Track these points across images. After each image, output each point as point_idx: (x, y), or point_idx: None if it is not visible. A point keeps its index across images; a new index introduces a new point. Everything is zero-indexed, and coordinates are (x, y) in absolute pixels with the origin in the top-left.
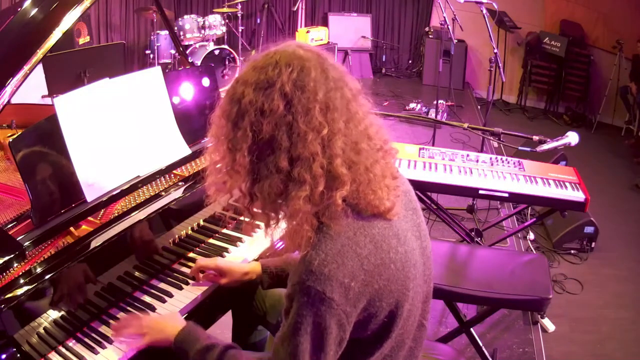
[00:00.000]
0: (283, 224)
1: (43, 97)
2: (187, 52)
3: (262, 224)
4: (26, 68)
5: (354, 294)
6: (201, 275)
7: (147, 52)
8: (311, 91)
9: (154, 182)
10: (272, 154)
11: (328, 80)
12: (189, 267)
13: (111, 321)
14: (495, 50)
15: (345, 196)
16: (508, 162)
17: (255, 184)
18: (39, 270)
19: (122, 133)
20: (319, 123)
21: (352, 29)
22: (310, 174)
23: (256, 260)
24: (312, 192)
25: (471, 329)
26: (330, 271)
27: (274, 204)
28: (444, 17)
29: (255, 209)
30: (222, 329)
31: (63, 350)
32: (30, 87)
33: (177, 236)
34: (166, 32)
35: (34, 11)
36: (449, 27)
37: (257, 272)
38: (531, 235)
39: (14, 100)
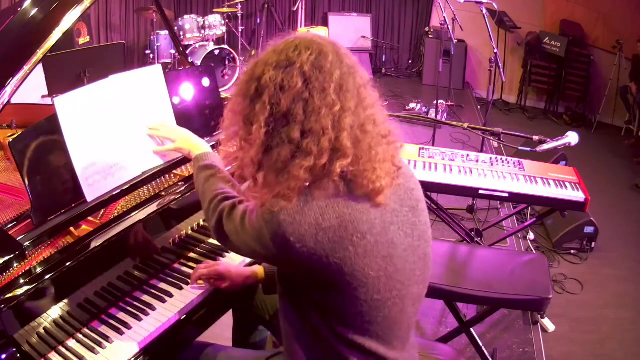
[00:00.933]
0: None
1: (43, 97)
2: (187, 52)
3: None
4: (26, 68)
5: (293, 254)
6: (201, 282)
7: (147, 52)
8: (327, 72)
9: (154, 182)
10: (287, 125)
11: (342, 65)
12: (189, 267)
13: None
14: (495, 50)
15: (344, 168)
16: (508, 162)
17: (265, 153)
18: (39, 270)
19: (122, 132)
20: (332, 100)
21: (352, 29)
22: (318, 146)
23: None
24: (314, 163)
25: (471, 329)
26: (284, 221)
27: (278, 171)
28: (444, 17)
29: (259, 177)
30: (222, 329)
31: (63, 350)
32: (30, 87)
33: (177, 236)
34: (166, 32)
35: (34, 11)
36: (449, 27)
37: (258, 276)
38: (531, 235)
39: (14, 100)
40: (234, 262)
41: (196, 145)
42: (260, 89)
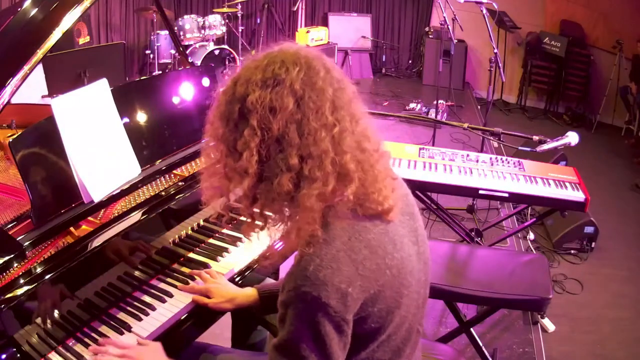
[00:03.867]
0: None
1: (43, 97)
2: (187, 52)
3: (260, 226)
4: (26, 68)
5: (352, 300)
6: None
7: (147, 52)
8: (320, 89)
9: (154, 182)
10: (282, 151)
11: (334, 81)
12: (189, 267)
13: (91, 342)
14: (495, 50)
15: (353, 193)
16: (508, 162)
17: (259, 183)
18: (39, 270)
19: (120, 133)
20: (329, 121)
21: (352, 29)
22: (322, 171)
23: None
24: (323, 189)
25: (471, 329)
26: (325, 276)
27: (276, 203)
28: (444, 17)
29: (255, 210)
30: (222, 329)
31: (63, 350)
32: (30, 87)
33: (177, 236)
34: (166, 32)
35: (34, 11)
36: (449, 27)
37: (245, 299)
38: (531, 235)
39: (14, 100)
40: (234, 263)
41: None
42: (245, 111)
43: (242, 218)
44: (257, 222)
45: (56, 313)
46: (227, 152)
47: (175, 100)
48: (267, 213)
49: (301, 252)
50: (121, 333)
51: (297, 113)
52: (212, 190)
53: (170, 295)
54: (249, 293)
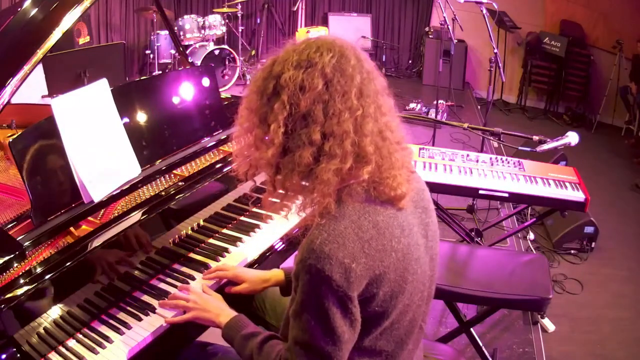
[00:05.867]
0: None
1: (43, 97)
2: (187, 52)
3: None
4: (26, 68)
5: (356, 277)
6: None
7: (147, 52)
8: (349, 76)
9: (154, 182)
10: (306, 127)
11: (363, 70)
12: (189, 267)
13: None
14: (495, 50)
15: (369, 173)
16: (508, 162)
17: (284, 155)
18: (39, 270)
19: (119, 132)
20: (353, 104)
21: (352, 29)
22: (342, 149)
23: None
24: (341, 165)
25: (471, 329)
26: (330, 250)
27: (296, 174)
28: (444, 17)
29: (278, 177)
30: None
31: (63, 350)
32: (30, 87)
33: (177, 236)
34: (166, 32)
35: (34, 11)
36: (449, 27)
37: (278, 279)
38: (531, 235)
39: (14, 100)
40: (234, 263)
41: (212, 308)
42: (278, 87)
43: (243, 218)
44: (277, 194)
45: (56, 313)
46: (257, 123)
47: (175, 100)
48: (289, 185)
49: (313, 226)
50: (121, 333)
51: (325, 94)
52: (243, 159)
53: None
54: (279, 273)
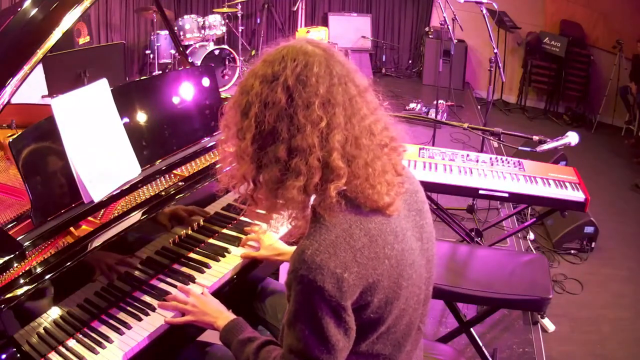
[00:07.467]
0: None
1: (43, 97)
2: (187, 52)
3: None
4: (26, 68)
5: (348, 286)
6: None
7: (147, 52)
8: (312, 86)
9: (154, 182)
10: (273, 144)
11: (332, 76)
12: (189, 267)
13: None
14: (495, 50)
15: (342, 189)
16: (508, 162)
17: (258, 171)
18: (39, 270)
19: (119, 132)
20: (317, 117)
21: (352, 29)
22: (306, 165)
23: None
24: (306, 183)
25: (471, 329)
26: (322, 260)
27: (268, 192)
28: (444, 17)
29: (259, 196)
30: None
31: (63, 350)
32: (30, 87)
33: (177, 236)
34: (166, 32)
35: (34, 11)
36: (449, 27)
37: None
38: (531, 235)
39: (14, 100)
40: (234, 263)
41: (211, 311)
42: (248, 103)
43: (243, 218)
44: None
45: (56, 313)
46: (235, 138)
47: (175, 100)
48: (270, 200)
49: (304, 237)
50: (121, 333)
51: (289, 108)
52: (226, 173)
53: None
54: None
